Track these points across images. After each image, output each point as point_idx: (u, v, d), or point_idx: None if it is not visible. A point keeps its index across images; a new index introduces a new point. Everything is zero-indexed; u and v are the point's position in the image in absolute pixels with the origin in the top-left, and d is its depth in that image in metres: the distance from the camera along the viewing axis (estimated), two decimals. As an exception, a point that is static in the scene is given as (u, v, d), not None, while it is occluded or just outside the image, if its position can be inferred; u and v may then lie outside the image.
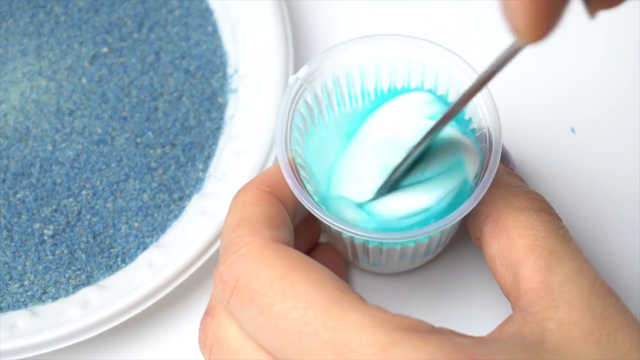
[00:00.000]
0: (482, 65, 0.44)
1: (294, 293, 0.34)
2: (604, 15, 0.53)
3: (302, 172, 0.40)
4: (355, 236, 0.38)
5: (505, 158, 0.45)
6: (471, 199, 0.38)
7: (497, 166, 0.38)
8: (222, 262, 0.36)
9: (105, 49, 0.52)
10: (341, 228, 0.38)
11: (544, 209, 0.39)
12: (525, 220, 0.38)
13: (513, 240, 0.38)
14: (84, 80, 0.52)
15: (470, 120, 0.41)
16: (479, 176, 0.39)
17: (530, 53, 0.52)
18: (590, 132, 0.51)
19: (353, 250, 0.43)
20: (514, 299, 0.37)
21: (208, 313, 0.37)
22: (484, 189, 0.38)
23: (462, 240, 0.47)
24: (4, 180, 0.49)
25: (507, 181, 0.40)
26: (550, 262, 0.36)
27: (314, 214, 0.38)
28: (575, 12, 0.56)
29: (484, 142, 0.40)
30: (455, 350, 0.32)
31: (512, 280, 0.37)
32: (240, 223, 0.37)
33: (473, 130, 0.41)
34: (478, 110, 0.40)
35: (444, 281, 0.48)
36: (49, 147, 0.50)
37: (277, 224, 0.38)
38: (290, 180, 0.38)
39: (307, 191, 0.39)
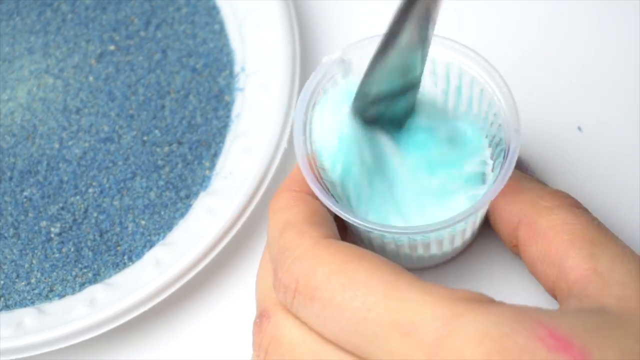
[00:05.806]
0: (491, 58, 0.44)
1: (352, 283, 0.34)
2: (611, 13, 0.53)
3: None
4: (370, 230, 0.38)
5: (522, 165, 0.45)
6: (488, 195, 0.38)
7: (512, 168, 0.38)
8: (279, 269, 0.37)
9: (112, 47, 0.52)
10: (355, 222, 0.38)
11: (573, 204, 0.39)
12: (558, 217, 0.38)
13: (551, 239, 0.38)
14: (90, 78, 0.52)
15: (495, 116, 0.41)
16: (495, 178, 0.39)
17: (536, 51, 0.53)
18: (597, 131, 0.51)
19: (369, 244, 0.43)
20: (563, 292, 0.38)
21: (263, 315, 0.38)
22: (497, 189, 0.38)
23: (489, 236, 0.47)
24: (10, 178, 0.49)
25: (530, 186, 0.41)
26: (593, 250, 0.37)
27: (327, 205, 0.38)
28: (582, 10, 0.56)
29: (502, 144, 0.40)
30: (517, 316, 0.32)
31: (557, 275, 0.38)
32: (284, 229, 0.38)
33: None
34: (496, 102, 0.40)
35: (465, 279, 0.47)
36: (56, 145, 0.50)
37: (318, 220, 0.38)
38: (307, 175, 0.39)
39: (325, 184, 0.39)
